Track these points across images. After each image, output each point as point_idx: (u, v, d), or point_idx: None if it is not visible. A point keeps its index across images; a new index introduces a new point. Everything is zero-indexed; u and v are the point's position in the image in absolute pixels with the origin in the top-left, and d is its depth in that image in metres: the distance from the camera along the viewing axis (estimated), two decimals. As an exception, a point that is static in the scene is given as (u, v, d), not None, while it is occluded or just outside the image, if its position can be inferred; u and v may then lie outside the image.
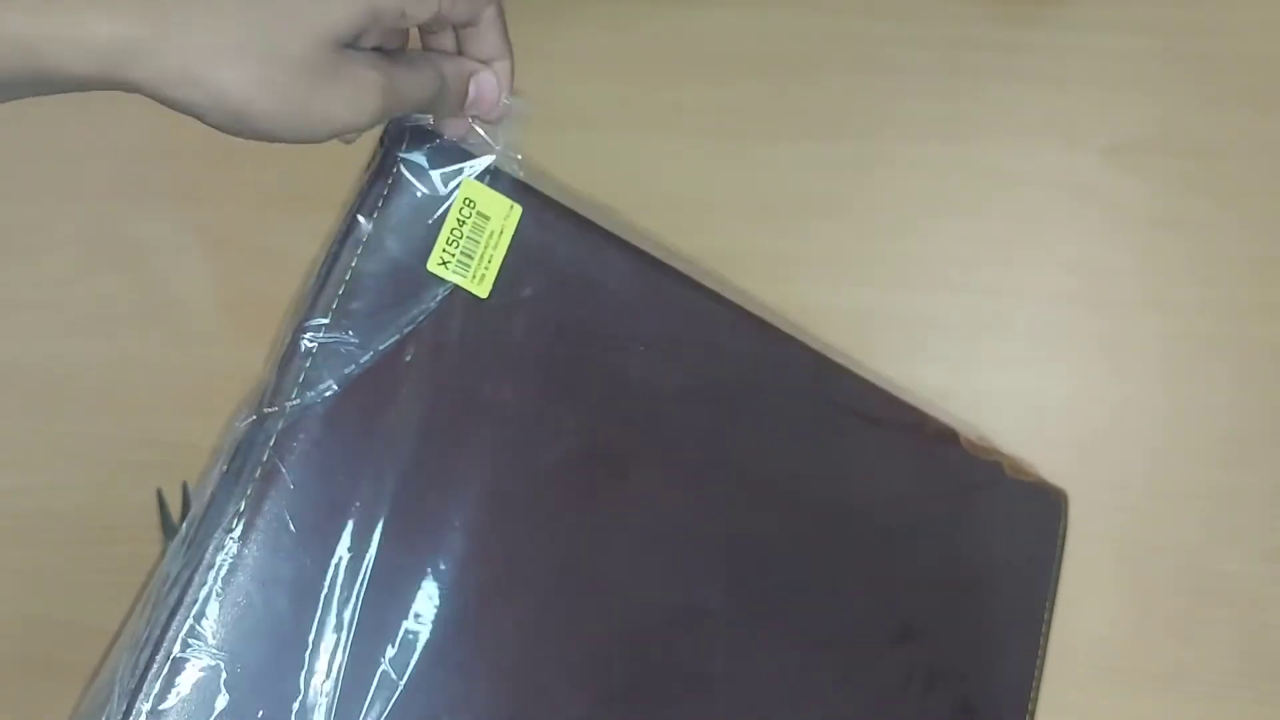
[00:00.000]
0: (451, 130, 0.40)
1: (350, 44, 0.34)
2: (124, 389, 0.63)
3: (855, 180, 0.59)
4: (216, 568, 0.35)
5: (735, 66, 0.61)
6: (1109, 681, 0.54)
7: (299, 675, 0.35)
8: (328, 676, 0.36)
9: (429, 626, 0.37)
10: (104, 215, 0.66)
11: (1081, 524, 0.54)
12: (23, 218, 0.67)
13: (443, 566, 0.38)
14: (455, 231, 0.39)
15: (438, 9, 0.36)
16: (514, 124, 0.41)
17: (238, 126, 0.33)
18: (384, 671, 0.37)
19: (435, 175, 0.39)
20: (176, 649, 0.34)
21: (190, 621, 0.34)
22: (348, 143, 0.37)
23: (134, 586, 0.40)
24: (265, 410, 0.36)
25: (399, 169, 0.38)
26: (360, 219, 0.38)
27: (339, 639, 0.36)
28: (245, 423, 0.36)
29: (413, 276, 0.38)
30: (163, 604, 0.35)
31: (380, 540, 0.37)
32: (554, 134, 0.43)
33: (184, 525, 0.36)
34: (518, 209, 0.40)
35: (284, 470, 0.36)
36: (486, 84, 0.39)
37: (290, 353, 0.36)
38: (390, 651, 0.37)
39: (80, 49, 0.30)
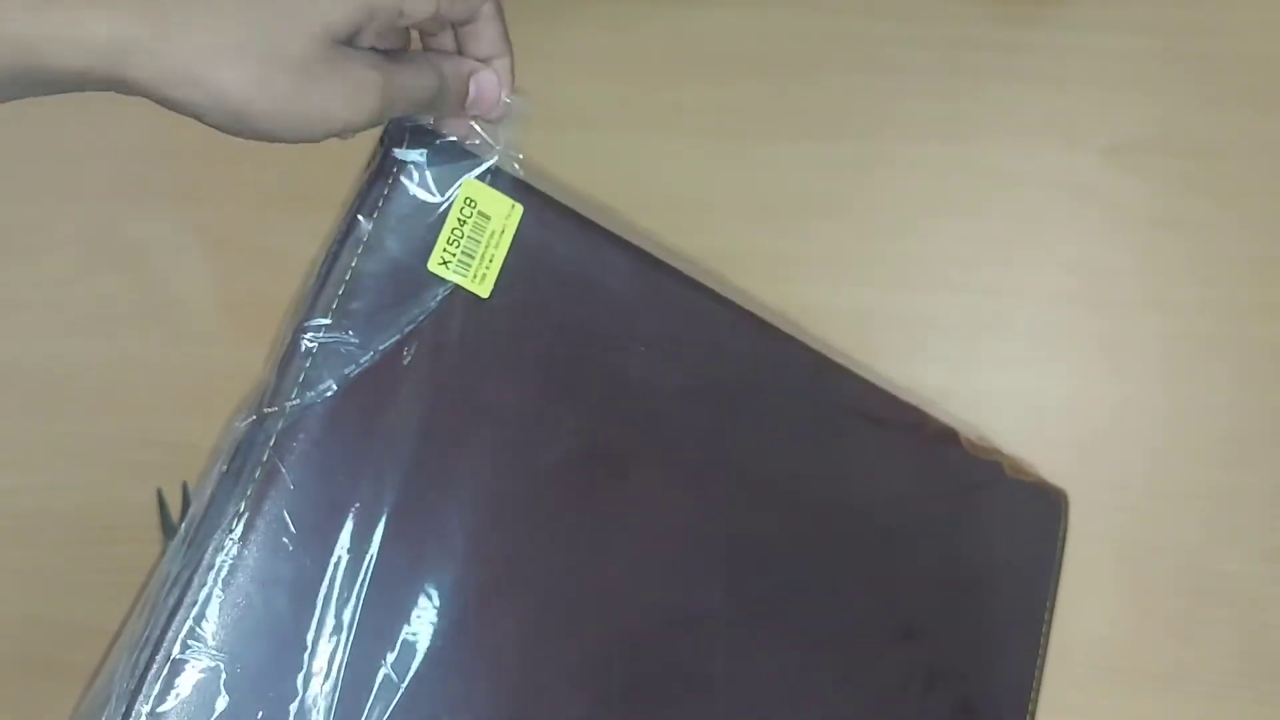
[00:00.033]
0: (452, 130, 0.39)
1: (349, 42, 0.34)
2: (124, 389, 0.63)
3: (855, 180, 0.59)
4: (216, 568, 0.35)
5: (735, 66, 0.61)
6: (1109, 681, 0.54)
7: (298, 676, 0.35)
8: (327, 678, 0.36)
9: (429, 628, 0.37)
10: (104, 215, 0.65)
11: (1081, 524, 0.54)
12: (23, 218, 0.66)
13: (443, 567, 0.38)
14: (456, 231, 0.39)
15: (436, 8, 0.36)
16: (515, 122, 0.40)
17: (237, 126, 0.33)
18: (385, 675, 0.36)
19: (436, 175, 0.39)
20: (176, 650, 0.34)
21: (190, 623, 0.34)
22: (345, 139, 0.36)
23: (134, 586, 0.39)
24: (265, 410, 0.36)
25: (399, 169, 0.38)
26: (360, 219, 0.38)
27: (339, 640, 0.36)
28: (245, 423, 0.36)
29: (413, 276, 0.38)
30: (162, 605, 0.35)
31: (380, 541, 0.37)
32: (554, 134, 0.43)
33: (183, 525, 0.36)
34: (519, 208, 0.40)
35: (284, 470, 0.36)
36: (487, 82, 0.39)
37: (290, 353, 0.36)
38: (391, 653, 0.37)
39: (79, 48, 0.30)
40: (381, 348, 0.37)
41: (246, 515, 0.35)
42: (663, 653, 0.43)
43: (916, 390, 0.54)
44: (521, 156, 0.41)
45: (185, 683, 0.34)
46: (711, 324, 0.46)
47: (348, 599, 0.36)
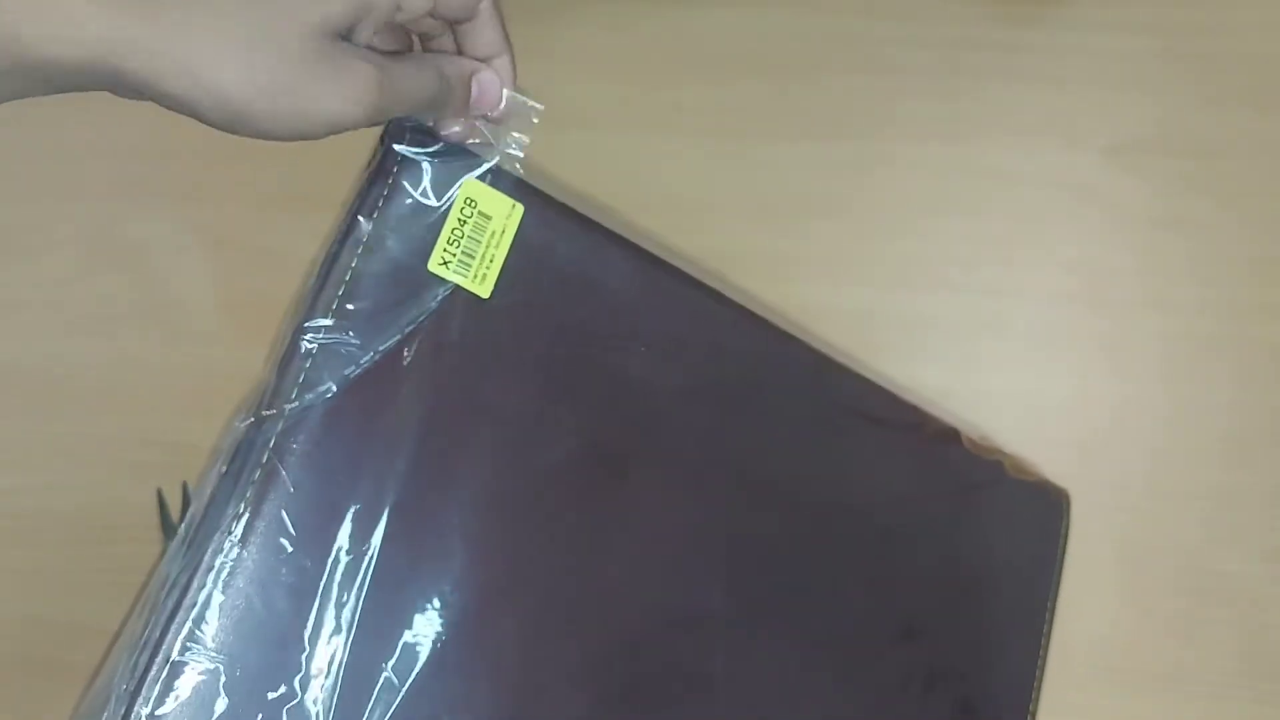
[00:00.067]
0: (454, 130, 0.39)
1: (347, 37, 0.34)
2: (124, 389, 0.63)
3: (855, 180, 0.59)
4: (215, 570, 0.35)
5: (735, 66, 0.61)
6: (1109, 681, 0.54)
7: (298, 678, 0.35)
8: (327, 680, 0.35)
9: (429, 629, 0.37)
10: (104, 215, 0.65)
11: (1081, 524, 0.54)
12: (23, 218, 0.66)
13: (443, 568, 0.38)
14: (456, 231, 0.39)
15: (433, 2, 0.36)
16: (521, 120, 0.40)
17: (233, 120, 0.32)
18: (386, 676, 0.36)
19: (436, 175, 0.39)
20: (175, 652, 0.34)
21: (189, 625, 0.34)
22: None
23: (134, 586, 0.39)
24: (264, 412, 0.36)
25: (399, 168, 0.38)
26: (360, 219, 0.38)
27: (339, 642, 0.36)
28: (244, 424, 0.36)
29: (413, 277, 0.38)
30: (161, 606, 0.35)
31: (380, 542, 0.37)
32: (554, 134, 0.43)
33: (183, 526, 0.36)
34: (520, 208, 0.40)
35: (283, 472, 0.36)
36: (488, 82, 0.39)
37: (290, 353, 0.36)
38: (391, 655, 0.37)
39: (76, 43, 0.30)
40: (381, 348, 0.37)
41: (246, 517, 0.35)
42: (663, 653, 0.43)
43: (917, 390, 0.54)
44: (523, 155, 0.41)
45: (184, 685, 0.34)
46: (712, 323, 0.46)
47: (347, 600, 0.36)
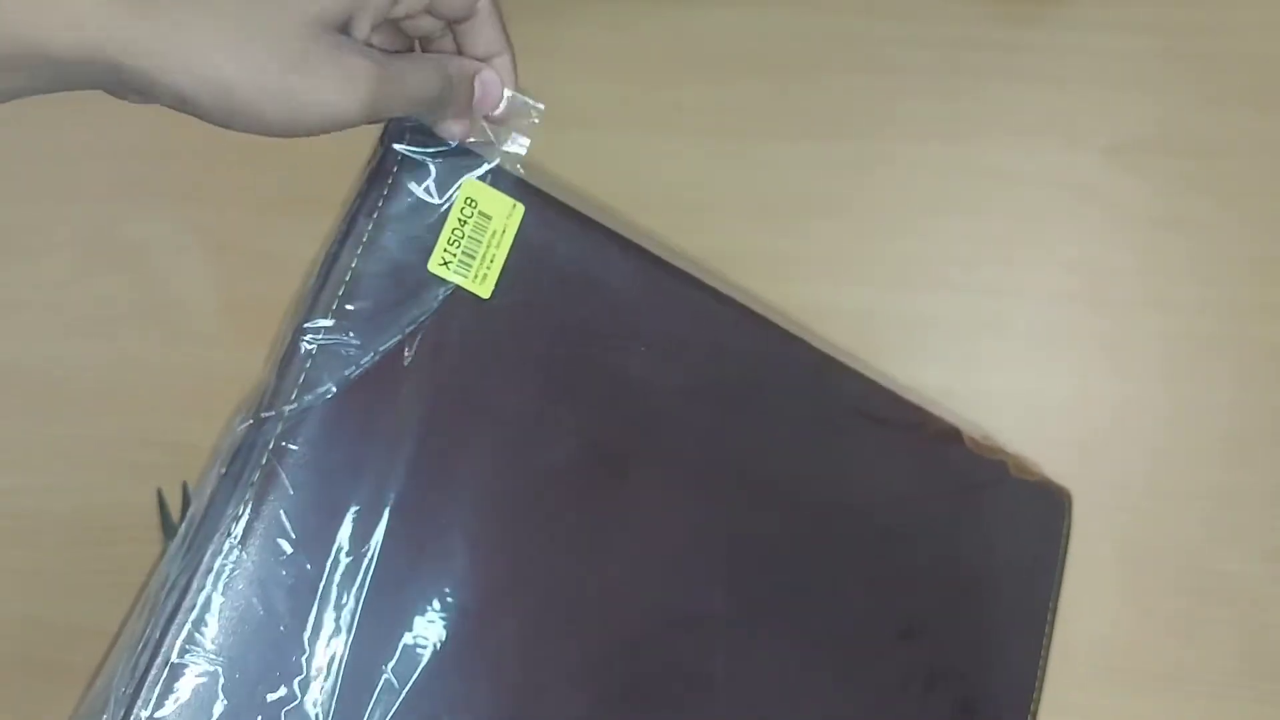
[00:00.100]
0: (456, 130, 0.39)
1: (344, 31, 0.34)
2: (124, 389, 0.63)
3: (855, 180, 0.59)
4: (215, 573, 0.35)
5: (735, 66, 0.61)
6: (1109, 681, 0.54)
7: (297, 681, 0.35)
8: (326, 682, 0.35)
9: (429, 630, 0.37)
10: (104, 216, 0.65)
11: (1082, 524, 0.54)
12: (22, 218, 0.66)
13: (444, 569, 0.38)
14: (456, 231, 0.39)
15: None
16: (522, 120, 0.40)
17: (231, 115, 0.32)
18: (386, 678, 0.36)
19: (436, 175, 0.38)
20: (174, 655, 0.34)
21: (188, 627, 0.34)
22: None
23: (134, 587, 0.39)
24: (263, 414, 0.36)
25: (399, 168, 0.38)
26: (360, 219, 0.38)
27: (338, 644, 0.36)
28: (244, 426, 0.36)
29: (414, 277, 0.38)
30: (161, 608, 0.35)
31: (380, 543, 0.37)
32: (554, 134, 0.43)
33: (182, 527, 0.36)
34: (520, 208, 0.40)
35: (283, 474, 0.36)
36: (490, 81, 0.39)
37: (290, 354, 0.36)
38: (391, 658, 0.37)
39: (74, 39, 0.30)
40: (382, 349, 0.37)
41: (245, 518, 0.35)
42: (663, 653, 0.43)
43: (918, 390, 0.54)
44: (523, 155, 0.41)
45: (183, 687, 0.34)
46: (713, 323, 0.46)
47: (347, 602, 0.36)
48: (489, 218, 0.39)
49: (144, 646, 0.34)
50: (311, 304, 0.37)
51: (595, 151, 0.60)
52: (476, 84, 0.39)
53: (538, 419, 0.41)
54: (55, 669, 0.61)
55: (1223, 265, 0.56)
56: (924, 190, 0.59)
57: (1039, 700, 0.52)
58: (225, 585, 0.35)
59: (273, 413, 0.36)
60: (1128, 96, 0.58)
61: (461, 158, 0.39)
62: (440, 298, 0.38)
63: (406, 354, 0.38)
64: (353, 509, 0.37)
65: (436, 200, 0.38)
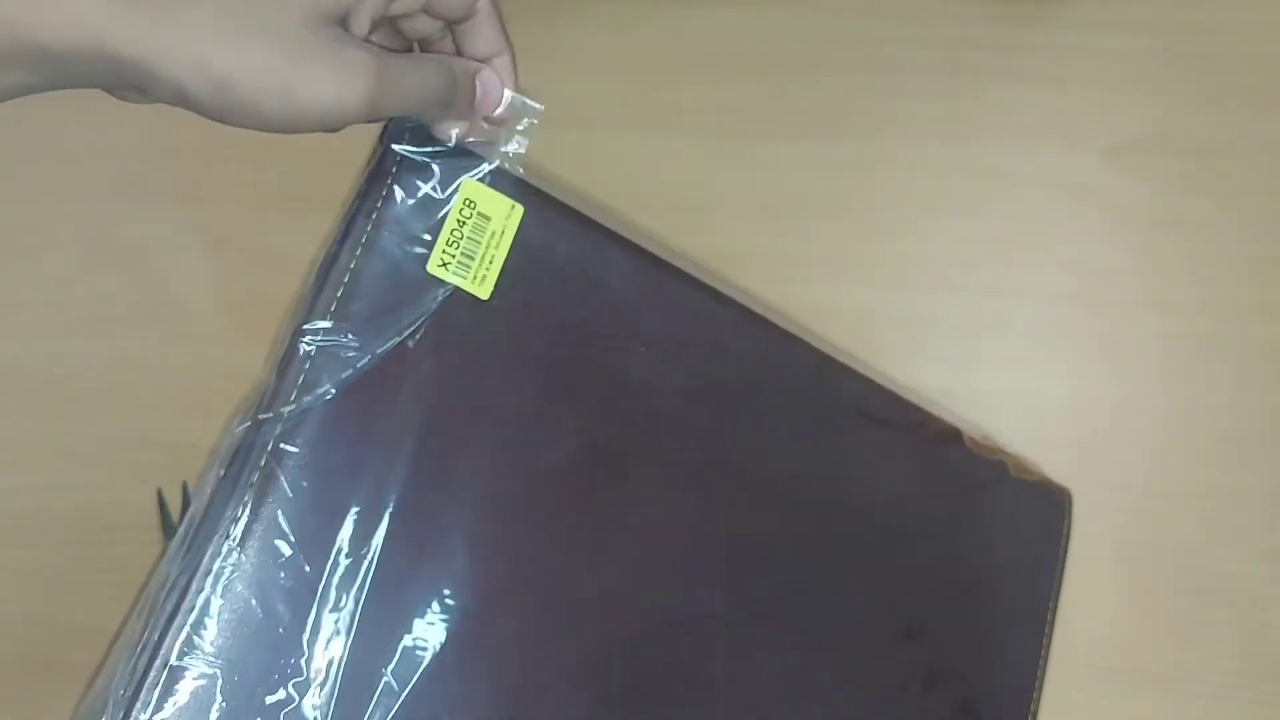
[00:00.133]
0: (456, 131, 0.39)
1: (343, 26, 0.34)
2: (124, 389, 0.63)
3: (855, 180, 0.59)
4: (214, 575, 0.34)
5: (735, 66, 0.61)
6: (1109, 681, 0.54)
7: (296, 683, 0.35)
8: (325, 684, 0.35)
9: (429, 632, 0.37)
10: (104, 215, 0.65)
11: (1082, 524, 0.54)
12: (23, 218, 0.66)
13: (443, 570, 0.38)
14: (455, 232, 0.39)
15: None
16: (521, 120, 0.40)
17: (228, 109, 0.32)
18: (386, 681, 0.36)
19: (435, 175, 0.38)
20: (173, 657, 0.34)
21: (187, 630, 0.34)
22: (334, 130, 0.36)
23: (134, 586, 0.40)
24: (262, 415, 0.36)
25: (399, 169, 0.38)
26: (359, 220, 0.38)
27: (338, 646, 0.36)
28: (242, 427, 0.36)
29: (413, 278, 0.38)
30: (160, 610, 0.35)
31: (380, 545, 0.37)
32: (554, 134, 0.42)
33: (182, 527, 0.36)
34: (519, 209, 0.40)
35: (281, 475, 0.36)
36: (490, 81, 0.39)
37: (288, 356, 0.36)
38: (391, 660, 0.37)
39: (72, 33, 0.30)
40: (381, 350, 0.37)
41: (244, 520, 0.35)
42: (663, 653, 0.43)
43: (917, 390, 0.54)
44: (523, 155, 0.41)
45: (182, 690, 0.34)
46: (713, 323, 0.46)
47: (346, 604, 0.36)
48: (488, 218, 0.39)
49: (143, 648, 0.34)
50: (310, 305, 0.37)
51: (595, 152, 0.60)
52: (477, 84, 0.39)
53: (537, 420, 0.41)
54: (55, 668, 0.61)
55: (1222, 265, 0.56)
56: (924, 190, 0.59)
57: (1039, 700, 0.52)
58: (224, 587, 0.35)
59: (271, 414, 0.36)
60: (1127, 97, 0.58)
61: (461, 158, 0.39)
62: (439, 299, 0.38)
63: (406, 355, 0.38)
64: (352, 510, 0.36)
65: (436, 201, 0.38)
